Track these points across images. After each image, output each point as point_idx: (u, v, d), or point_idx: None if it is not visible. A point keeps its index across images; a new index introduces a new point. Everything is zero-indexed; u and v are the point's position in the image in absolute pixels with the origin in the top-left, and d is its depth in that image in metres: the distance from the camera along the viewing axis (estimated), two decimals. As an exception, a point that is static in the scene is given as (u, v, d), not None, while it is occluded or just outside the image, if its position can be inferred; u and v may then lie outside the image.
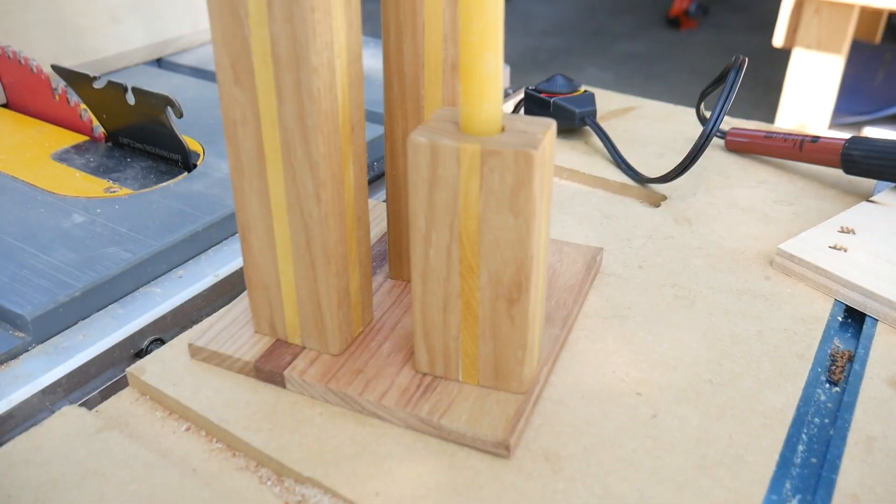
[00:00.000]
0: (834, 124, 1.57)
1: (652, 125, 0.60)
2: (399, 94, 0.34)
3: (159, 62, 0.72)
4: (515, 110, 0.62)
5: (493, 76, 0.26)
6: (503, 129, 0.28)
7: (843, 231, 0.43)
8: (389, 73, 0.34)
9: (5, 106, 0.61)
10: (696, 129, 0.59)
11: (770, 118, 2.66)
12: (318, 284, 0.32)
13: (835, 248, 0.42)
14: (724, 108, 0.47)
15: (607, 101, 0.64)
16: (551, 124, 0.28)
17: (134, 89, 0.51)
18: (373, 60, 0.70)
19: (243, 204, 0.32)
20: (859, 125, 1.57)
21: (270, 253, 0.32)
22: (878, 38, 1.87)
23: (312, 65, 0.27)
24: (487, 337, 0.31)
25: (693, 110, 0.62)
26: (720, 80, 0.53)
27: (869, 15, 1.79)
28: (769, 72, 3.19)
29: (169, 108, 0.50)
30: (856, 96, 1.65)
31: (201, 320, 0.42)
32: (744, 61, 0.49)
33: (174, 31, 0.72)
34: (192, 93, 0.64)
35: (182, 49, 0.74)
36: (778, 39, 1.49)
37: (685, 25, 3.92)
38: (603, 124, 0.60)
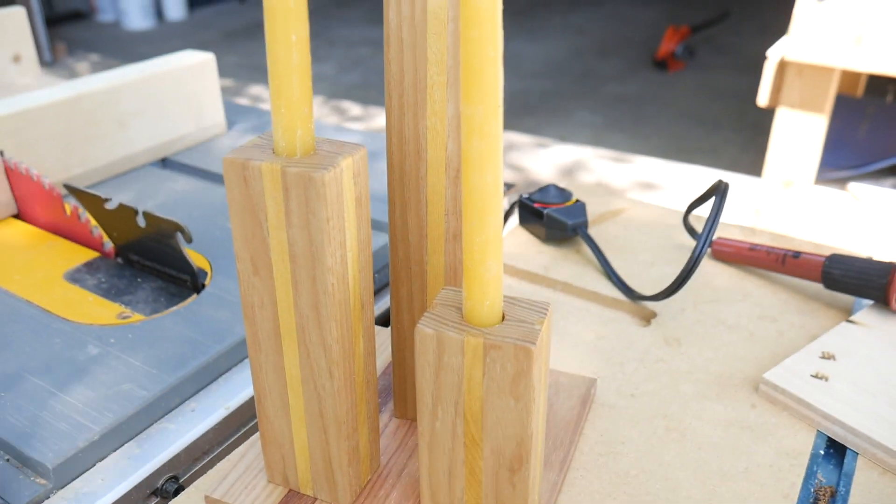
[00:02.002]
0: (820, 179, 1.61)
1: (641, 229, 0.63)
2: (404, 259, 0.37)
3: (164, 161, 0.75)
4: (508, 214, 0.65)
5: (495, 278, 0.29)
6: (503, 318, 0.30)
7: (824, 357, 0.45)
8: (395, 240, 0.36)
9: (16, 216, 0.64)
10: (684, 236, 0.61)
11: (759, 161, 2.70)
12: (329, 446, 0.34)
13: (816, 376, 0.44)
14: (711, 234, 0.50)
15: (598, 202, 0.67)
16: (548, 310, 0.31)
17: (145, 213, 0.53)
18: (382, 164, 0.73)
19: (260, 374, 0.34)
20: (845, 180, 1.61)
21: (285, 417, 0.34)
22: (860, 91, 1.92)
23: (327, 264, 0.29)
24: (490, 500, 0.33)
25: (680, 211, 0.65)
26: (705, 197, 0.55)
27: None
28: (757, 113, 3.24)
29: (178, 234, 0.52)
30: (841, 150, 1.69)
31: (213, 452, 0.44)
32: (726, 186, 0.51)
33: (178, 130, 0.74)
34: (198, 197, 0.67)
35: (186, 147, 0.76)
36: (762, 99, 1.53)
37: (672, 67, 3.99)
38: (595, 229, 0.63)
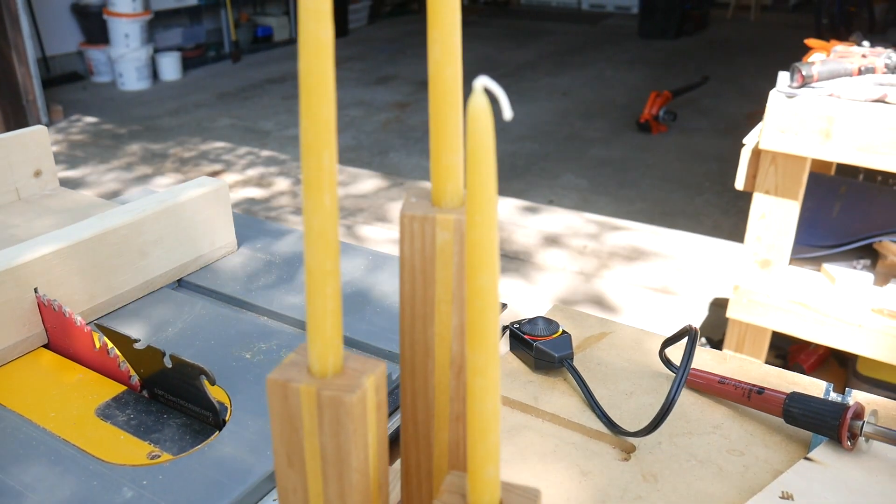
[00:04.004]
0: (795, 258, 1.68)
1: (622, 355, 0.69)
2: (413, 434, 0.42)
3: (180, 282, 0.80)
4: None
5: (494, 480, 0.34)
6: (501, 503, 0.36)
7: (783, 497, 0.51)
8: (406, 417, 0.42)
9: (46, 346, 0.69)
10: (660, 364, 0.67)
11: (740, 225, 2.78)
12: None
13: (777, 517, 0.49)
14: (683, 378, 0.55)
15: (583, 327, 0.73)
16: (538, 497, 0.36)
17: (172, 356, 0.59)
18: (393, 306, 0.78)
19: (289, 545, 0.39)
20: (819, 260, 1.68)
21: (310, 581, 0.39)
22: (833, 170, 2.01)
23: (353, 465, 0.35)
24: None
25: (657, 336, 0.71)
26: (677, 338, 0.61)
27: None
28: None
29: (202, 376, 0.57)
30: (815, 230, 1.76)
31: (237, 591, 0.49)
32: (696, 332, 0.57)
33: (193, 253, 0.80)
34: (214, 324, 0.72)
35: (201, 266, 0.82)
36: (739, 184, 1.61)
37: (655, 130, 4.12)
38: (580, 355, 0.68)
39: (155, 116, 4.50)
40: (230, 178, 3.50)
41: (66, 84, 5.16)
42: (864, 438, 0.55)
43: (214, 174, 3.54)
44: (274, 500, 0.54)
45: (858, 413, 0.55)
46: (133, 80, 5.06)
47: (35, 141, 0.96)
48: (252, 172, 3.57)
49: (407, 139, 4.02)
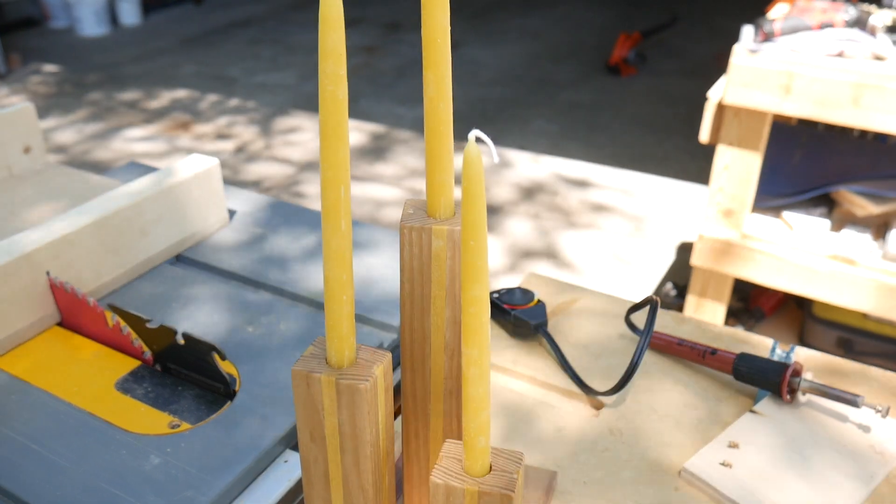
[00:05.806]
0: (756, 207, 1.76)
1: (591, 320, 0.76)
2: (413, 407, 0.49)
3: (178, 258, 0.85)
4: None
5: (485, 448, 0.41)
6: (491, 468, 0.42)
7: (730, 446, 0.59)
8: (406, 393, 0.48)
9: (60, 324, 0.74)
10: (627, 329, 0.74)
11: (706, 168, 2.86)
12: (363, 554, 0.46)
13: (723, 464, 0.57)
14: (645, 345, 0.63)
15: (555, 292, 0.79)
16: (522, 460, 0.43)
17: (184, 334, 0.64)
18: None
19: (311, 505, 0.46)
20: (779, 208, 1.76)
21: (329, 535, 0.46)
22: (795, 119, 2.08)
23: (365, 439, 0.41)
24: (483, 590, 0.45)
25: (623, 301, 0.78)
26: (641, 305, 0.68)
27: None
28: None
29: (213, 352, 0.63)
30: (776, 178, 1.84)
31: (258, 543, 0.56)
32: (657, 302, 0.64)
33: (189, 230, 0.85)
34: (215, 298, 0.77)
35: (196, 242, 0.87)
36: (703, 136, 1.68)
37: (625, 72, 4.14)
38: (553, 321, 0.75)
39: (117, 64, 4.42)
40: (199, 128, 3.48)
41: (22, 31, 5.01)
42: (801, 393, 0.63)
43: (183, 125, 3.52)
44: (285, 461, 0.60)
45: (797, 370, 0.63)
46: (91, 24, 4.92)
47: (22, 118, 0.99)
48: (221, 122, 3.55)
49: (377, 85, 4.01)
